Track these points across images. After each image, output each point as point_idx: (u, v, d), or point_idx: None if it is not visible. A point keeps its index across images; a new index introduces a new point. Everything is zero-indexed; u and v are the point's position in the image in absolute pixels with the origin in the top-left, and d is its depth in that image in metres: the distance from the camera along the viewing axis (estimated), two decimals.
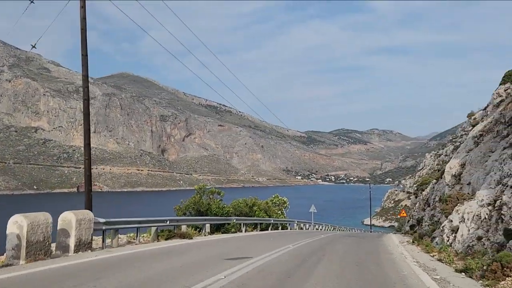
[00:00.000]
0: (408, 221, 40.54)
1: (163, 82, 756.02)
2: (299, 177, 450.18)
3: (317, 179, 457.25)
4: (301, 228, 43.39)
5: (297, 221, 43.10)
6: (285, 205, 44.56)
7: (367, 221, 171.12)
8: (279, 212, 41.16)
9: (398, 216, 56.09)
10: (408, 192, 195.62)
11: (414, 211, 38.27)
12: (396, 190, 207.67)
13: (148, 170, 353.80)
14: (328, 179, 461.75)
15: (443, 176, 22.57)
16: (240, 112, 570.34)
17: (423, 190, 36.42)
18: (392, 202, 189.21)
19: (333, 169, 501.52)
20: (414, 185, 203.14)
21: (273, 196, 45.27)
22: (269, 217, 35.26)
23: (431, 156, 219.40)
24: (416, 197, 44.53)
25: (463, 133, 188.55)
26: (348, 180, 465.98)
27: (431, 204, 26.28)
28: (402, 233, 38.16)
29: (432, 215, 24.79)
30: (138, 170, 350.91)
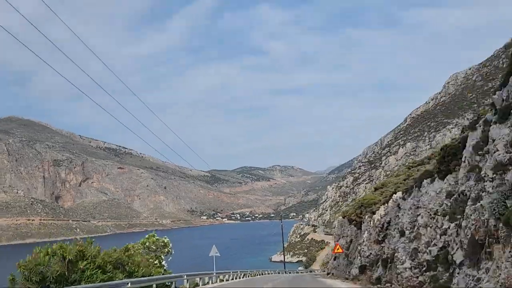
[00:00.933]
0: (349, 260, 31.83)
1: (57, 125, 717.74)
2: (205, 217, 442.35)
3: (222, 218, 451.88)
4: (197, 285, 29.12)
5: (187, 276, 27.44)
6: (166, 249, 28.68)
7: (275, 257, 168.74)
8: (155, 262, 26.31)
9: (332, 253, 43.33)
10: (313, 225, 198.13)
11: (360, 245, 27.13)
12: (301, 224, 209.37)
13: (40, 220, 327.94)
14: (233, 217, 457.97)
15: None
16: (141, 153, 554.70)
17: (373, 213, 25.59)
18: (298, 236, 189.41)
19: (238, 206, 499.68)
20: (318, 218, 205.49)
21: (146, 236, 28.86)
22: (127, 275, 19.98)
23: (332, 188, 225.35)
24: (354, 225, 31.80)
25: (361, 164, 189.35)
26: (253, 217, 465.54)
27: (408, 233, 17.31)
28: (343, 278, 31.48)
29: (415, 249, 17.05)
30: (29, 220, 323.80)
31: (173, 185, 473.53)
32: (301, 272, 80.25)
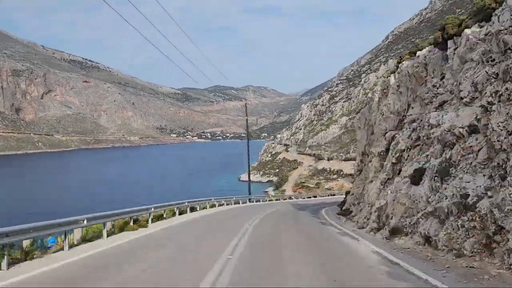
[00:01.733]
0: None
1: (21, 36, 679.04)
2: (174, 135, 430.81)
3: (192, 136, 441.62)
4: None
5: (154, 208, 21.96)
6: None
7: (244, 177, 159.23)
8: None
9: None
10: (285, 145, 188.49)
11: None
12: (273, 143, 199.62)
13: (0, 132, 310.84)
14: (204, 136, 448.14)
15: None
16: (109, 68, 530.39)
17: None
18: (269, 155, 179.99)
19: (209, 126, 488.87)
20: (291, 137, 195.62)
21: None
22: None
23: (307, 106, 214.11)
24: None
25: (339, 82, 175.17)
26: (224, 136, 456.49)
27: None
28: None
29: None
30: None
31: (142, 101, 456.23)
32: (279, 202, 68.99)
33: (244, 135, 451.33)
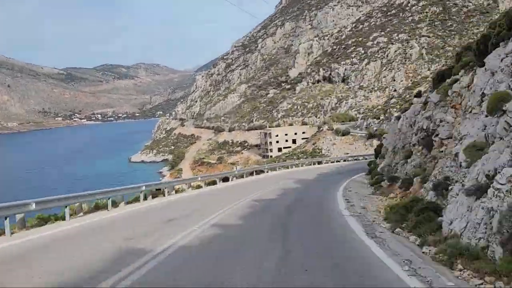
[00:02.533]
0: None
1: None
2: (60, 119, 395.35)
3: (81, 119, 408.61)
4: None
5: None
6: None
7: (135, 157, 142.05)
8: None
9: None
10: (181, 119, 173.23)
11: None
12: (168, 119, 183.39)
13: None
14: (94, 118, 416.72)
15: None
16: None
17: None
18: (164, 132, 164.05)
19: (99, 106, 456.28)
20: (187, 111, 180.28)
21: None
22: None
23: (202, 77, 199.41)
24: None
25: (234, 49, 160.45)
26: (116, 117, 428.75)
27: None
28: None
29: None
30: None
31: (20, 83, 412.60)
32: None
33: (138, 114, 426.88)
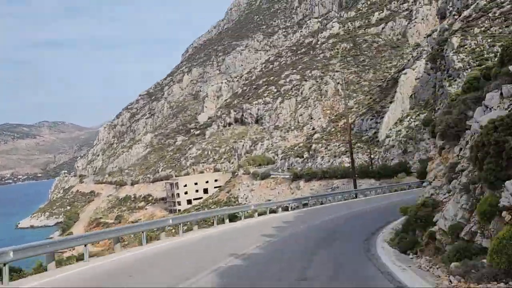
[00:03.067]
0: None
1: None
2: None
3: None
4: None
5: None
6: None
7: (25, 222, 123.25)
8: None
9: None
10: (80, 175, 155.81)
11: None
12: (66, 176, 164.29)
13: None
14: None
15: None
16: None
17: None
18: (62, 191, 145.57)
19: None
20: (88, 166, 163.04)
21: None
22: None
23: (104, 128, 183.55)
24: None
25: (139, 98, 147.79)
26: (15, 179, 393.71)
27: None
28: None
29: None
30: None
31: None
32: None
33: (40, 175, 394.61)
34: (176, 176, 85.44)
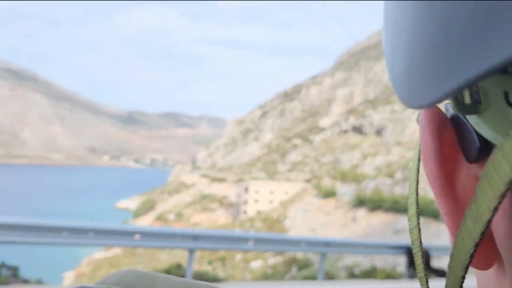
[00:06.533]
0: None
1: None
2: (107, 158, 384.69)
3: (129, 161, 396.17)
4: None
5: None
6: None
7: (123, 203, 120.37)
8: None
9: None
10: (195, 167, 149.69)
11: None
12: (183, 166, 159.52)
13: None
14: (142, 162, 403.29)
15: None
16: (50, 80, 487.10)
17: None
18: (173, 178, 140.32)
19: (151, 152, 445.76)
20: (211, 157, 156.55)
21: None
22: None
23: (233, 123, 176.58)
24: None
25: (274, 97, 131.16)
26: (165, 164, 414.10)
27: None
28: None
29: None
30: None
31: (77, 118, 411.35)
32: None
33: (190, 164, 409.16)
34: (255, 180, 69.61)
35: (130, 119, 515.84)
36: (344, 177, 55.71)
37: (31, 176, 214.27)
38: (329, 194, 43.04)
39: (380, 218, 31.61)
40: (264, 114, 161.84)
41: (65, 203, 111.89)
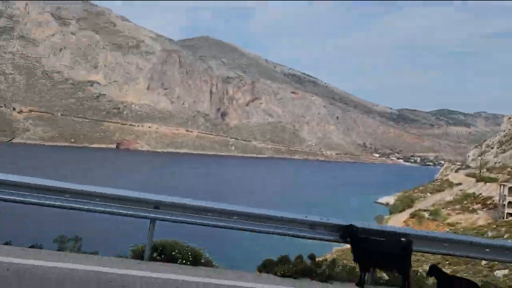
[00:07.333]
0: None
1: (272, 59, 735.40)
2: (377, 155, 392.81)
3: (398, 158, 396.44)
4: None
5: None
6: None
7: (383, 199, 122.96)
8: None
9: None
10: (466, 166, 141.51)
11: None
12: (454, 164, 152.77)
13: (198, 132, 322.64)
14: (411, 160, 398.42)
15: None
16: (327, 83, 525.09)
17: None
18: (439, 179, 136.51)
19: (422, 149, 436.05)
20: (479, 157, 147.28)
21: None
22: None
23: (510, 119, 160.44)
24: None
25: None
26: (436, 162, 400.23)
27: None
28: None
29: None
30: (187, 131, 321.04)
31: (350, 116, 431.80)
32: None
33: (459, 163, 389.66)
34: None
35: (401, 118, 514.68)
36: None
37: (307, 170, 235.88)
38: None
39: None
40: None
41: (328, 196, 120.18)
